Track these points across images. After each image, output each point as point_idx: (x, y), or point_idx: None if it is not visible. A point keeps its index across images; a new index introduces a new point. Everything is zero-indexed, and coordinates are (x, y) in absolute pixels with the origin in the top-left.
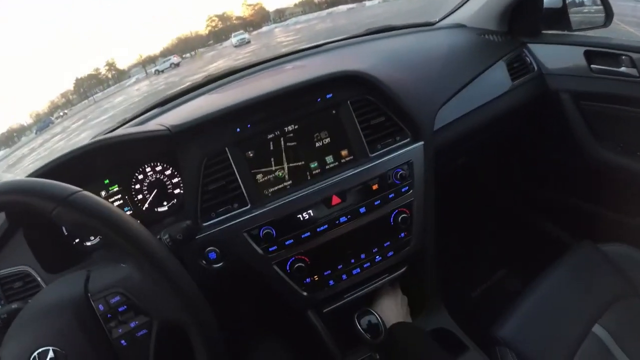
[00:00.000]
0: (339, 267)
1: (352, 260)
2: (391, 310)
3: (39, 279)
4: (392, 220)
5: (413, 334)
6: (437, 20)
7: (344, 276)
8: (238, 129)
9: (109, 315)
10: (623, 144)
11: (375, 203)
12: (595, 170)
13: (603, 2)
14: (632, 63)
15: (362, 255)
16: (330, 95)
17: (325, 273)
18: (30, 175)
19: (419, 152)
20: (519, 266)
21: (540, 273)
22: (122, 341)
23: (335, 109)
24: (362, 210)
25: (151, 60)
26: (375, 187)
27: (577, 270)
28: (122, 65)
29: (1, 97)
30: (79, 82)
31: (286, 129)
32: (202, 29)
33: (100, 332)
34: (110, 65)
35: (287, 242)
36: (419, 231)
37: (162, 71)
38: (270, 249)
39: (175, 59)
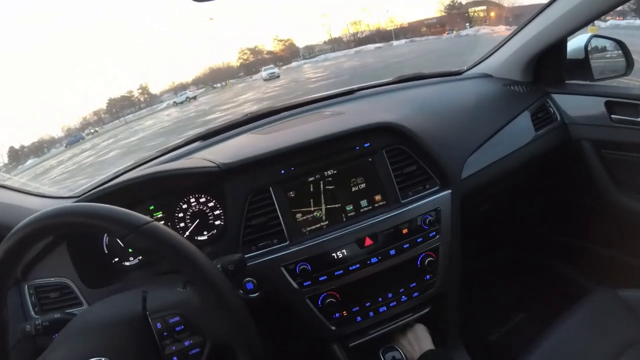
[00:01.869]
0: (367, 304)
1: (380, 299)
2: (416, 341)
3: (77, 291)
4: (419, 263)
5: None
6: (465, 69)
7: (371, 313)
8: (282, 171)
9: (164, 334)
10: None
11: (405, 246)
12: (614, 216)
13: (624, 51)
14: None
15: (389, 294)
16: (368, 144)
17: (353, 309)
18: (84, 198)
19: (446, 199)
20: (538, 311)
21: (557, 317)
22: (174, 357)
23: (372, 156)
24: (392, 252)
25: (183, 87)
26: (405, 231)
27: (593, 315)
28: (154, 90)
29: (35, 108)
30: (112, 102)
31: (326, 173)
32: (234, 61)
33: (153, 349)
34: (143, 89)
35: (320, 278)
36: (444, 274)
37: (181, 103)
38: (304, 284)
39: (190, 92)
